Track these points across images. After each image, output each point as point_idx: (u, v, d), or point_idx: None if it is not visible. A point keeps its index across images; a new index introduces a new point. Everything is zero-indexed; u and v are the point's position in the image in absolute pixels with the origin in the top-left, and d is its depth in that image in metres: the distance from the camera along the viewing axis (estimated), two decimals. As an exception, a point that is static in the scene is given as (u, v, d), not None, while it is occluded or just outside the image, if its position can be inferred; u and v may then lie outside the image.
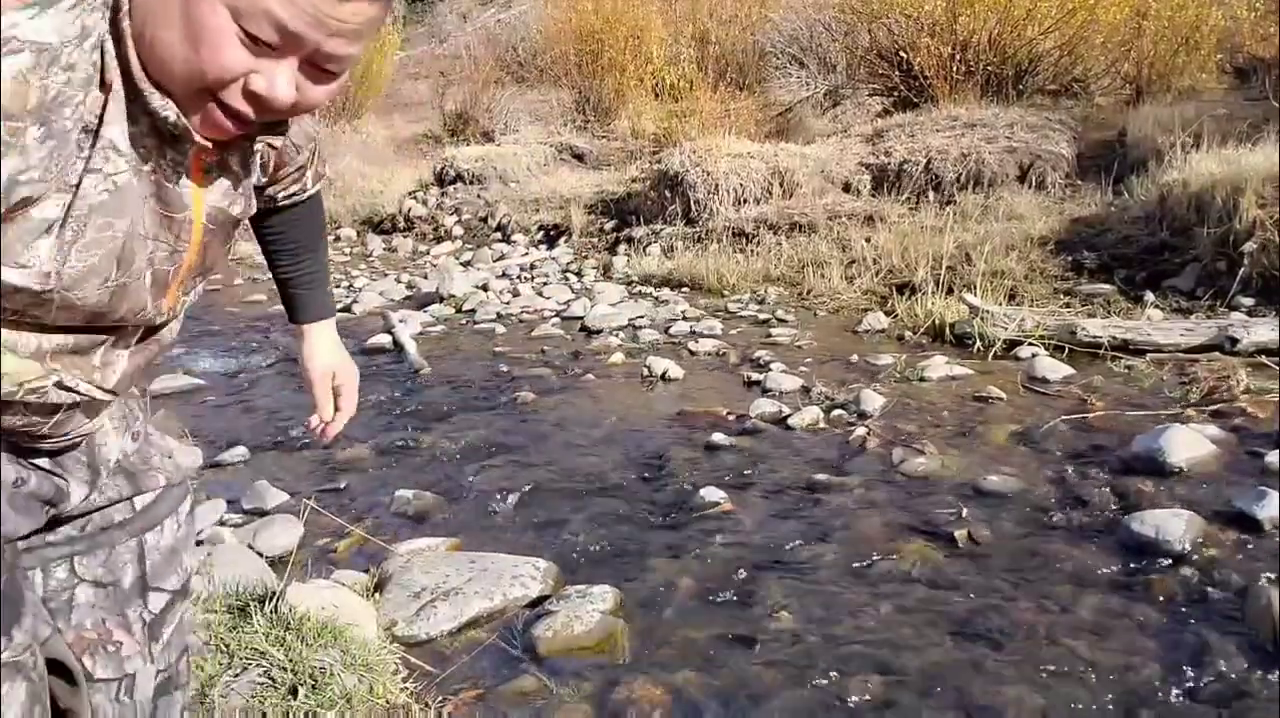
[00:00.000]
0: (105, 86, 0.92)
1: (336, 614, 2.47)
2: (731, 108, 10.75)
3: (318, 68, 0.93)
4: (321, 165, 1.36)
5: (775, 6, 12.72)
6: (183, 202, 1.01)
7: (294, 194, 1.33)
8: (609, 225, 9.05)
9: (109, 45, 0.91)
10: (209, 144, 0.97)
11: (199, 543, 3.09)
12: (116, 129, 0.93)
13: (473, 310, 7.05)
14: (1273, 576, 2.65)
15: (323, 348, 1.44)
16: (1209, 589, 2.69)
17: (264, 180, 1.21)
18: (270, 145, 1.14)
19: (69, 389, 1.04)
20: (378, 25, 0.95)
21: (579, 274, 8.15)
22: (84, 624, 1.22)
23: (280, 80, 0.90)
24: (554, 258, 8.76)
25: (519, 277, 8.29)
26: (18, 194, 0.89)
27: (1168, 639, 2.49)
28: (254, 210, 1.17)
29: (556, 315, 6.83)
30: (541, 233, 9.49)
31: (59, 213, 0.92)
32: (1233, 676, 2.31)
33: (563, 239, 9.20)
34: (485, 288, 7.65)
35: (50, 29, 0.88)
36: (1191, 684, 2.30)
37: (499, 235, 9.82)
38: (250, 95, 0.91)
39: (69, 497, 1.12)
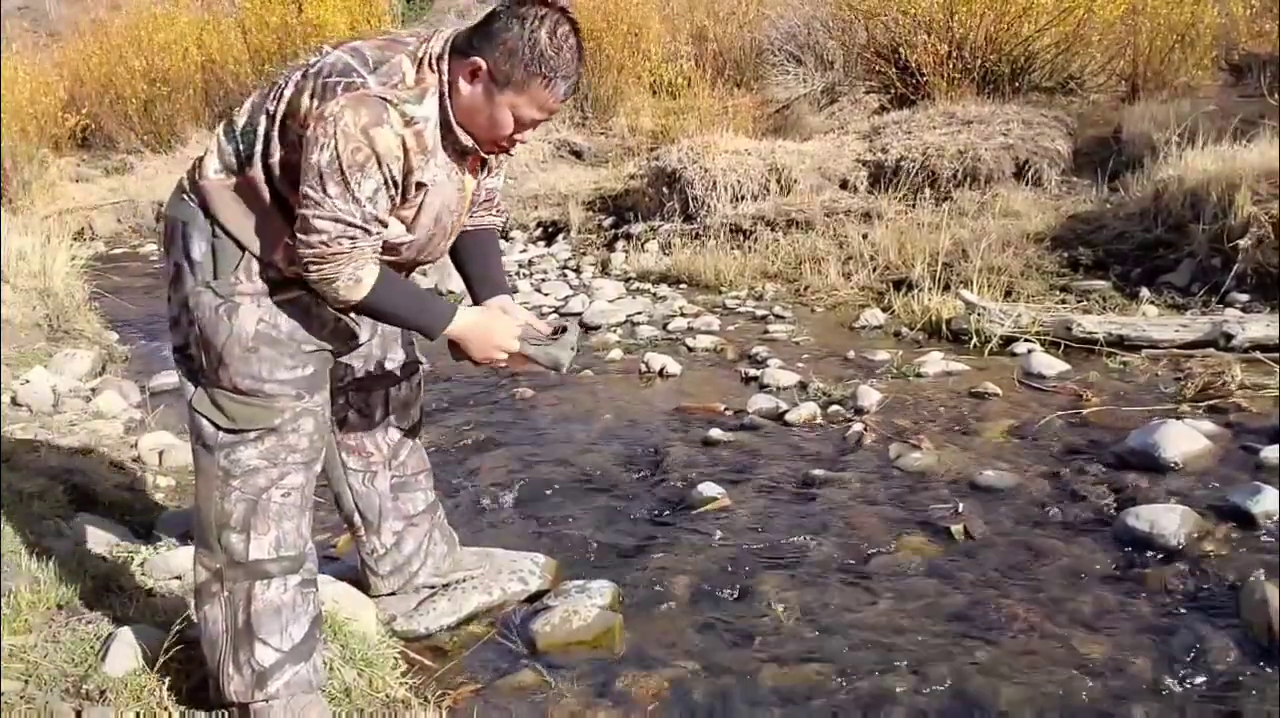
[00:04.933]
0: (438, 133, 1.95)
1: (336, 609, 2.49)
2: (729, 105, 10.74)
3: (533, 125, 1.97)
4: (502, 211, 2.37)
5: (773, 4, 12.69)
6: (464, 185, 2.06)
7: (487, 216, 2.31)
8: (607, 222, 9.04)
9: (436, 115, 1.92)
10: (481, 156, 2.03)
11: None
12: (441, 153, 1.95)
13: (470, 307, 7.04)
14: (1267, 570, 2.67)
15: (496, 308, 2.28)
16: (1203, 584, 2.71)
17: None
18: (499, 160, 2.18)
19: None
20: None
21: (577, 270, 8.16)
22: (349, 435, 2.48)
23: (529, 135, 1.97)
24: (552, 254, 8.76)
25: (517, 273, 8.29)
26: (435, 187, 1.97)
27: (1162, 634, 2.51)
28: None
29: (555, 312, 6.84)
30: (540, 229, 9.48)
31: (423, 196, 1.95)
32: (1227, 670, 2.33)
33: (561, 236, 9.19)
34: (483, 284, 7.65)
35: (427, 109, 1.88)
36: (1186, 679, 2.32)
37: (497, 232, 9.81)
38: (512, 141, 1.97)
39: (359, 336, 2.16)
